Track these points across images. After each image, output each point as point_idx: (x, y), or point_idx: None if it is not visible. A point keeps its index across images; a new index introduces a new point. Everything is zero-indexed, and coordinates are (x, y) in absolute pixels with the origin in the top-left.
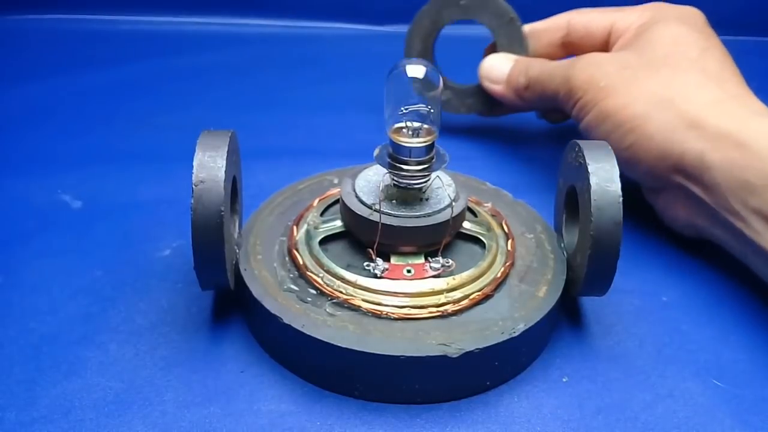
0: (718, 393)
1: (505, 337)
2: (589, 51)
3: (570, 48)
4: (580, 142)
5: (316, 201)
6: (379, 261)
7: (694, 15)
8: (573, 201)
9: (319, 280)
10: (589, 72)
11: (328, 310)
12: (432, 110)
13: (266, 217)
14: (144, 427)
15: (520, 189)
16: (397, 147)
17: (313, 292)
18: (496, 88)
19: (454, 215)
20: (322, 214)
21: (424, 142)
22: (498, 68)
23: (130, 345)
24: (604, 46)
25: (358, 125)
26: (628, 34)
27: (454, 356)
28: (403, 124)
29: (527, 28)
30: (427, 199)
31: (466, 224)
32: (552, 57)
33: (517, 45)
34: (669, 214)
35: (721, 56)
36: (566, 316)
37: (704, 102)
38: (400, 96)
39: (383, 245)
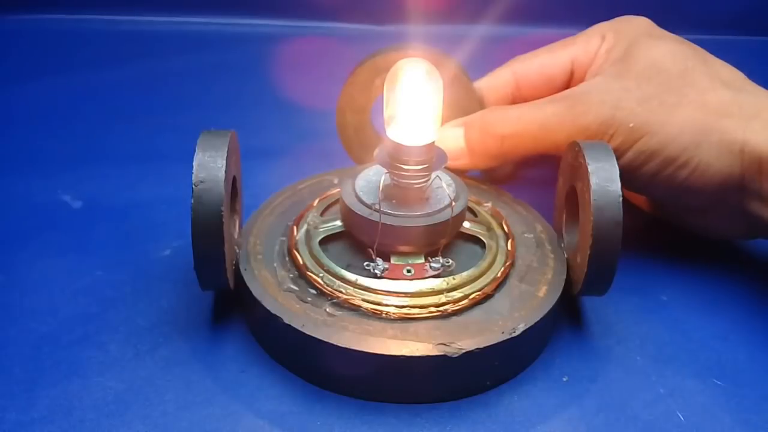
0: (719, 392)
1: (505, 337)
2: (548, 95)
3: (521, 100)
4: (580, 142)
5: (316, 201)
6: (379, 261)
7: (651, 25)
8: (573, 201)
9: (319, 280)
10: (606, 114)
11: (328, 310)
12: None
13: (266, 217)
14: (144, 427)
15: (520, 189)
16: (397, 147)
17: (313, 292)
18: (461, 163)
19: (454, 215)
20: (322, 214)
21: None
22: (450, 141)
23: (130, 345)
24: (565, 86)
25: None
26: (599, 62)
27: (454, 356)
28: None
29: None
30: (427, 199)
31: (466, 224)
32: None
33: (468, 104)
34: (714, 230)
35: (718, 61)
36: (566, 316)
37: (748, 117)
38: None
39: (383, 245)
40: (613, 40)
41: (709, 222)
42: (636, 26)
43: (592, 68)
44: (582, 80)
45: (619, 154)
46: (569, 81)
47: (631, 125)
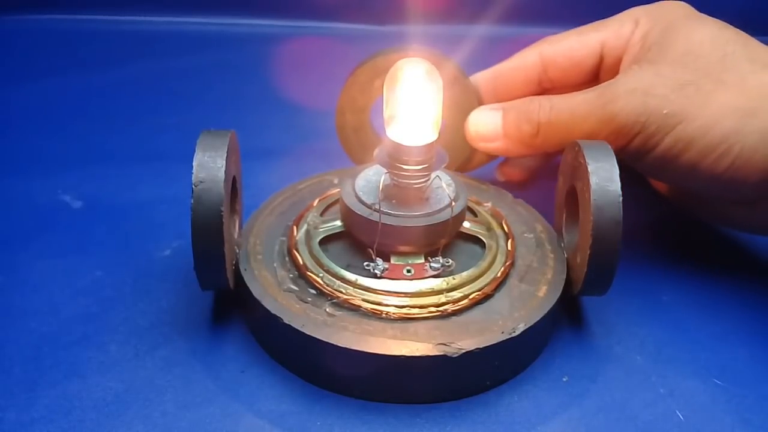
0: (719, 392)
1: (505, 337)
2: (576, 82)
3: (548, 83)
4: (580, 141)
5: (316, 201)
6: (379, 261)
7: (689, 8)
8: (573, 201)
9: (319, 280)
10: (637, 102)
11: (328, 310)
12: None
13: (266, 217)
14: (144, 427)
15: (520, 189)
16: (397, 147)
17: (313, 292)
18: (494, 146)
19: (454, 215)
20: (322, 214)
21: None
22: (488, 123)
23: (130, 345)
24: (594, 72)
25: None
26: (634, 50)
27: (454, 356)
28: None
29: (490, 72)
30: (427, 199)
31: (466, 224)
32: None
33: (468, 104)
34: (763, 223)
35: (761, 44)
36: (566, 316)
37: None
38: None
39: (383, 245)
40: (648, 25)
41: (757, 215)
42: (673, 9)
43: (626, 56)
44: (612, 66)
45: (654, 143)
46: (599, 66)
47: (665, 112)
